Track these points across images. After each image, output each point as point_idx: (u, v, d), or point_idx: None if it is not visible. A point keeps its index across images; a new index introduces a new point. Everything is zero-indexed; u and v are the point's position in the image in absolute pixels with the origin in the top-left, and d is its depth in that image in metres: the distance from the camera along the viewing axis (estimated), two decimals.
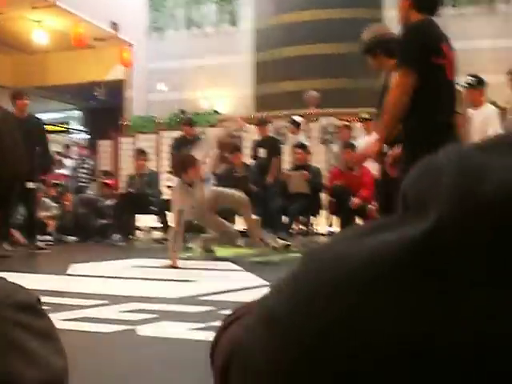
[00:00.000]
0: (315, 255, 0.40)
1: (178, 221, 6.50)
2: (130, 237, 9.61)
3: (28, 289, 0.71)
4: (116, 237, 9.15)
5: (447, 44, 3.72)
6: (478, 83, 7.03)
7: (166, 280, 5.63)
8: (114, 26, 13.45)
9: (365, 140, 9.30)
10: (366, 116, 9.36)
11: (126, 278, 5.67)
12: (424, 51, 3.58)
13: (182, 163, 6.73)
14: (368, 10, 13.96)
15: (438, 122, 3.60)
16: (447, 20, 13.29)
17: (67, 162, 14.03)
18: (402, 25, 3.92)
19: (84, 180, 12.57)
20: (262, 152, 9.85)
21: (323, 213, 9.46)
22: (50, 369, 0.65)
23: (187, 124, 10.30)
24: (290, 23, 14.30)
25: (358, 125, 10.85)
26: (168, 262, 6.46)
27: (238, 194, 7.29)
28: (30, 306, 0.68)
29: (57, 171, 13.08)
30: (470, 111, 7.03)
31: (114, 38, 13.63)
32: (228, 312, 2.71)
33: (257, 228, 7.57)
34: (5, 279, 0.72)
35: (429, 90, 3.58)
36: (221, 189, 7.48)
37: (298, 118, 10.67)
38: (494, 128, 6.78)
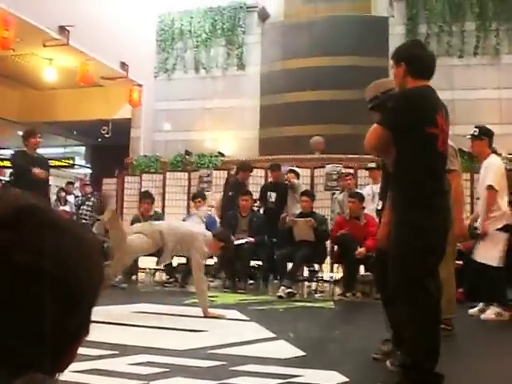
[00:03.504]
0: None
1: None
2: (133, 278, 9.57)
3: None
4: (119, 278, 9.11)
5: (442, 113, 3.69)
6: (483, 134, 6.84)
7: (172, 329, 5.59)
8: (124, 66, 13.61)
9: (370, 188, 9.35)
10: (373, 165, 9.41)
11: (133, 326, 5.64)
12: (418, 120, 3.59)
13: None
14: (373, 59, 14.14)
15: (431, 187, 3.61)
16: (453, 71, 13.52)
17: (70, 198, 14.05)
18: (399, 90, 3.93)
19: (87, 218, 12.55)
20: (272, 197, 9.88)
21: (328, 260, 9.44)
22: None
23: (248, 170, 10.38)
24: (294, 69, 14.47)
25: (363, 172, 10.92)
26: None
27: None
28: None
29: (60, 208, 13.10)
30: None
31: (123, 78, 13.78)
32: (239, 368, 2.71)
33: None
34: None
35: (420, 157, 3.60)
36: None
37: (297, 169, 10.77)
38: (487, 180, 6.65)
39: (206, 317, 6.18)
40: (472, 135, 6.86)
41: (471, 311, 6.96)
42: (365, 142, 3.77)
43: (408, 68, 3.79)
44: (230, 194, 9.95)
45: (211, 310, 6.34)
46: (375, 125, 3.73)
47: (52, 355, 0.76)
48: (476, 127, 6.98)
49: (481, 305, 6.99)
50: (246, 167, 10.27)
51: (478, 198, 7.08)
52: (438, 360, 3.47)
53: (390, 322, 4.42)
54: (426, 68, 3.84)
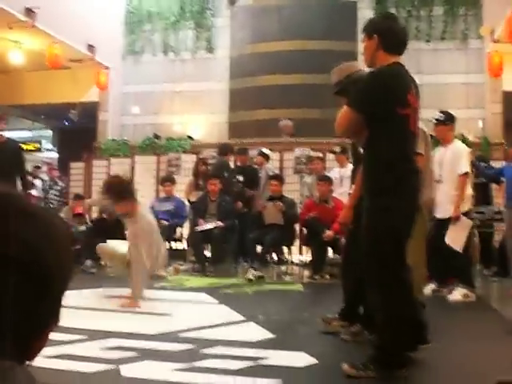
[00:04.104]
0: None
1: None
2: (102, 263, 9.51)
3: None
4: (88, 263, 9.07)
5: (413, 92, 3.67)
6: (448, 119, 6.92)
7: (142, 313, 5.59)
8: (91, 48, 13.44)
9: (338, 171, 9.39)
10: (338, 149, 9.44)
11: (102, 310, 5.64)
12: (390, 101, 3.56)
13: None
14: (343, 43, 14.17)
15: (404, 169, 3.62)
16: (420, 55, 13.61)
17: (37, 182, 13.88)
18: (368, 66, 3.85)
19: (54, 202, 12.44)
20: (241, 180, 9.92)
21: (297, 243, 9.51)
22: None
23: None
24: (264, 52, 14.43)
25: (332, 156, 10.97)
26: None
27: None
28: None
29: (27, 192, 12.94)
30: (440, 148, 7.05)
31: (91, 60, 13.63)
32: (208, 351, 2.73)
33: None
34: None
35: (394, 138, 3.60)
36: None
37: (266, 150, 10.75)
38: (463, 167, 6.77)
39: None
40: (437, 120, 6.92)
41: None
42: (335, 124, 3.73)
43: (381, 41, 3.73)
44: (226, 175, 9.93)
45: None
46: (345, 107, 3.67)
47: (21, 342, 0.77)
48: (441, 112, 7.03)
49: (432, 286, 7.08)
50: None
51: (438, 181, 7.11)
52: (408, 343, 3.54)
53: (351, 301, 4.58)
54: (399, 42, 3.80)
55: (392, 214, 3.54)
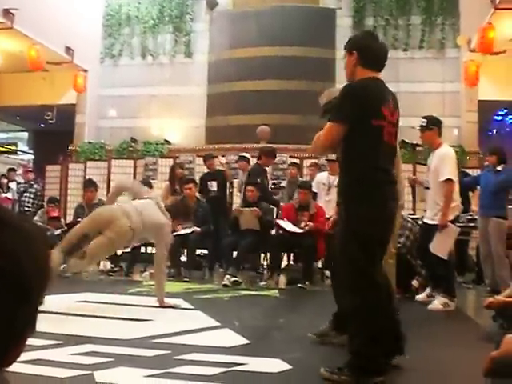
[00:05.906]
0: None
1: None
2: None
3: None
4: (63, 267, 8.98)
5: (389, 105, 3.76)
6: (431, 124, 6.90)
7: (117, 319, 5.55)
8: (69, 50, 13.38)
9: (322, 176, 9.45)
10: (332, 157, 9.43)
11: (77, 315, 5.59)
12: (364, 112, 3.64)
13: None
14: (320, 50, 14.25)
15: (376, 179, 3.69)
16: (398, 64, 13.73)
17: (12, 185, 13.75)
18: (348, 81, 3.96)
19: (29, 205, 12.32)
20: (213, 185, 9.89)
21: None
22: None
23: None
24: (243, 58, 14.46)
25: (307, 162, 11.05)
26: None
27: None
28: None
29: (2, 195, 12.84)
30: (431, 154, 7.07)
31: (68, 63, 13.55)
32: (183, 357, 2.73)
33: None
34: None
35: (367, 149, 3.67)
36: None
37: (246, 154, 10.69)
38: (445, 173, 6.65)
39: (161, 306, 6.11)
40: (421, 126, 6.92)
41: (418, 297, 7.11)
42: (318, 144, 3.82)
43: (359, 57, 3.86)
44: (259, 180, 9.60)
45: (166, 300, 6.26)
46: (328, 124, 3.74)
47: None
48: (424, 117, 7.03)
49: (427, 291, 7.14)
50: (269, 153, 9.75)
51: (426, 188, 7.13)
52: (382, 348, 3.55)
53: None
54: (376, 59, 3.91)
55: (358, 219, 3.62)
